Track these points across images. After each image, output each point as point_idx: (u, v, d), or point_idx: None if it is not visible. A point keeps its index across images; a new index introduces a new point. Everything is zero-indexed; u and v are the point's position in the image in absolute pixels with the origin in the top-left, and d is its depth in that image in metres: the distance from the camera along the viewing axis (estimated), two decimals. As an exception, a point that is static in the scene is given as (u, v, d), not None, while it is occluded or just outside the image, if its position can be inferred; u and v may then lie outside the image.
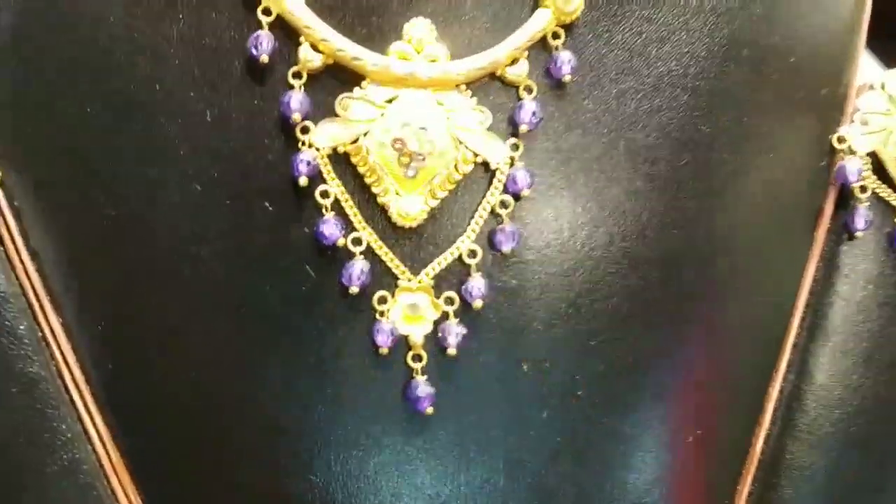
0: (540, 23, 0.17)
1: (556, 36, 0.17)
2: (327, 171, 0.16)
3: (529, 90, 0.17)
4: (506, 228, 0.17)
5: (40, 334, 0.17)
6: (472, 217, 0.17)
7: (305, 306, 0.16)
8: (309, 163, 0.16)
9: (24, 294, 0.17)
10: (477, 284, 0.17)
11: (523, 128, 0.17)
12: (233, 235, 0.16)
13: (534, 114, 0.17)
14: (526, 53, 0.17)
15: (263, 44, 0.16)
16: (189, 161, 0.16)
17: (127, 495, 0.18)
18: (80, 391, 0.18)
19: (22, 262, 0.17)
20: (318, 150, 0.16)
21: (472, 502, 0.18)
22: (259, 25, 0.16)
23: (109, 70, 0.16)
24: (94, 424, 0.18)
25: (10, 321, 0.17)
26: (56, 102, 0.17)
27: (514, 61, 0.17)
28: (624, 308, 0.18)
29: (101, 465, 0.17)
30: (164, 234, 0.16)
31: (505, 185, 0.17)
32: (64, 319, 0.18)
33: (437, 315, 0.17)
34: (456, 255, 0.17)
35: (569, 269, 0.17)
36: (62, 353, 0.17)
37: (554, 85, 0.17)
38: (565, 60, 0.17)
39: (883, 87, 0.20)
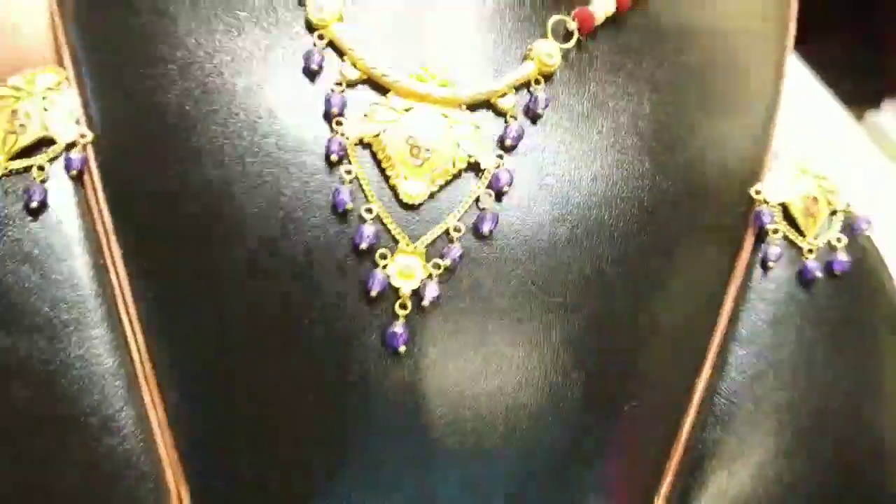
0: (526, 70, 0.23)
1: (537, 81, 0.23)
2: (353, 154, 0.21)
3: (514, 117, 0.23)
4: (486, 214, 0.22)
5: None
6: (461, 202, 0.22)
7: (327, 263, 0.21)
8: (340, 144, 0.21)
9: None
10: (455, 251, 0.21)
11: (508, 142, 0.22)
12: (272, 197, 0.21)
13: (516, 134, 0.22)
14: (514, 90, 0.23)
15: (315, 58, 0.22)
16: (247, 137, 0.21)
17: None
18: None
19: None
20: (347, 138, 0.21)
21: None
22: (314, 45, 0.22)
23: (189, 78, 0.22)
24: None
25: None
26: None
27: (504, 95, 0.23)
28: (581, 285, 0.22)
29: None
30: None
31: (490, 182, 0.22)
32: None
33: (424, 276, 0.21)
34: (444, 229, 0.22)
35: (534, 253, 0.22)
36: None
37: (532, 116, 0.23)
38: (541, 100, 0.23)
39: (791, 160, 0.26)
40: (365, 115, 0.22)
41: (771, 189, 0.25)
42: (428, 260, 0.21)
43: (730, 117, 0.25)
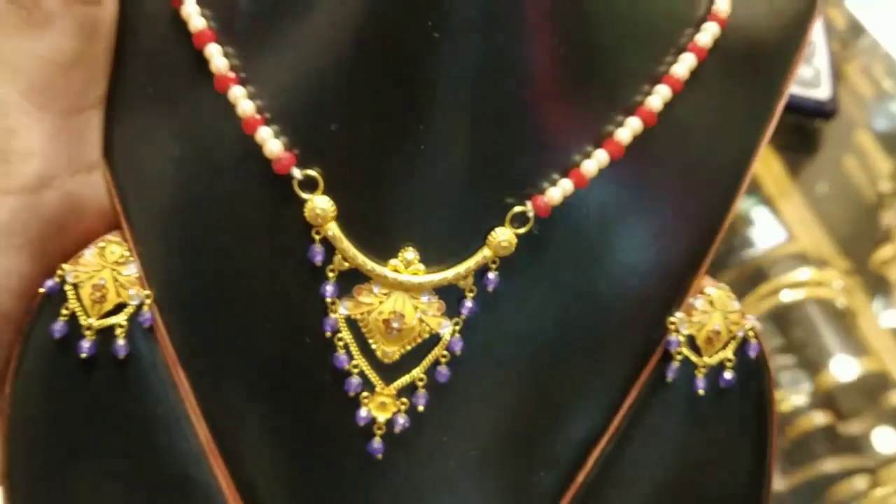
0: (483, 256, 0.28)
1: (494, 262, 0.29)
2: (343, 327, 0.29)
3: (472, 291, 0.29)
4: (441, 370, 0.29)
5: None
6: (425, 360, 0.29)
7: (327, 399, 0.30)
8: (334, 323, 0.28)
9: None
10: (420, 396, 0.30)
11: (463, 315, 0.29)
12: (282, 360, 0.29)
13: (471, 309, 0.29)
14: (472, 274, 0.29)
15: (316, 251, 0.28)
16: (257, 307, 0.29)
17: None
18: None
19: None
20: (339, 315, 0.28)
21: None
22: (314, 241, 0.28)
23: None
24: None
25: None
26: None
27: (466, 277, 0.29)
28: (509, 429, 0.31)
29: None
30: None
31: (447, 346, 0.29)
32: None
33: (395, 410, 0.30)
34: (411, 379, 0.29)
35: (477, 399, 0.30)
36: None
37: (488, 293, 0.29)
38: (493, 280, 0.29)
39: (709, 294, 0.32)
40: (352, 298, 0.28)
41: (683, 324, 0.31)
42: (398, 398, 0.30)
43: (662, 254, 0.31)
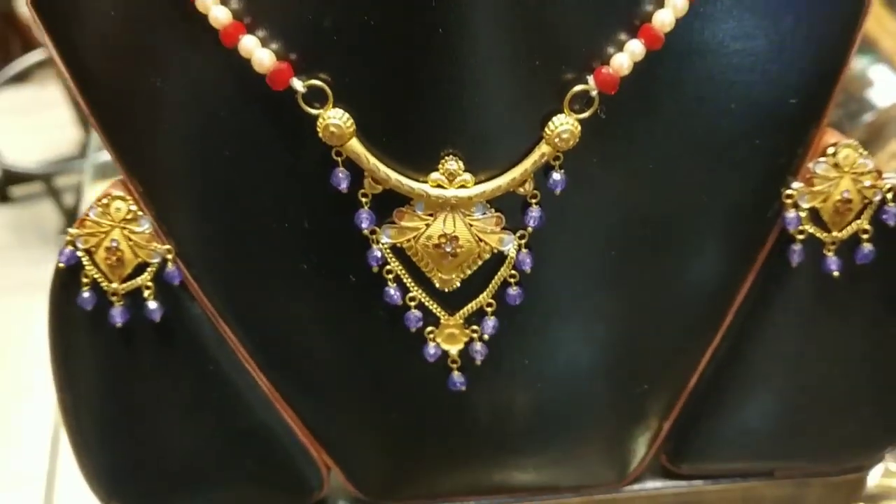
0: (542, 153, 0.23)
1: (556, 159, 0.23)
2: (390, 258, 0.24)
3: (534, 197, 0.24)
4: (511, 292, 0.25)
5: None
6: (492, 282, 0.25)
7: (390, 338, 0.26)
8: (377, 255, 0.24)
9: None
10: (491, 324, 0.26)
11: (529, 227, 0.24)
12: (329, 298, 0.25)
13: (538, 218, 0.24)
14: (531, 176, 0.23)
15: (340, 177, 0.23)
16: (292, 247, 0.25)
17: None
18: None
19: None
20: (383, 245, 0.24)
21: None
22: (336, 164, 0.23)
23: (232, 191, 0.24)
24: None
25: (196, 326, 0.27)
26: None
27: (524, 182, 0.23)
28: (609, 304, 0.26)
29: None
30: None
31: (514, 264, 0.24)
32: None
33: (466, 339, 0.26)
34: (478, 305, 0.25)
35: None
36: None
37: (552, 196, 0.24)
38: (560, 180, 0.23)
39: (833, 154, 0.25)
40: (393, 224, 0.24)
41: (803, 196, 0.25)
42: (466, 328, 0.26)
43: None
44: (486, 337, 0.26)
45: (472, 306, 0.25)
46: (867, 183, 0.25)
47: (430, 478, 0.31)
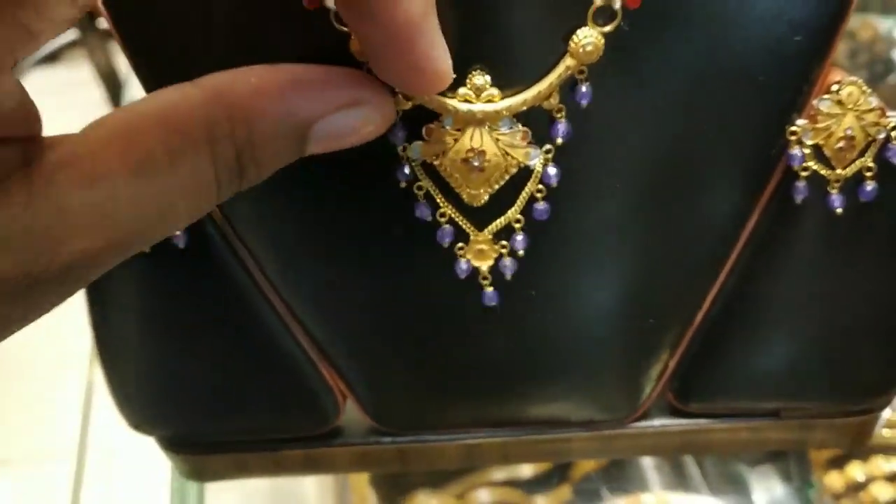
0: (567, 66, 0.24)
1: (581, 72, 0.24)
2: (420, 174, 0.25)
3: (560, 111, 0.24)
4: (538, 207, 0.26)
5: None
6: (519, 198, 0.26)
7: (420, 256, 0.27)
8: (406, 171, 0.25)
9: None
10: (520, 238, 0.26)
11: (557, 140, 0.25)
12: (355, 219, 0.27)
13: (564, 132, 0.25)
14: (557, 89, 0.24)
15: None
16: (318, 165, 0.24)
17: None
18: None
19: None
20: (413, 161, 0.25)
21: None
22: None
23: None
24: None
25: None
26: None
27: (549, 95, 0.24)
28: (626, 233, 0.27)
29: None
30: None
31: (540, 178, 0.25)
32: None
33: (496, 255, 0.27)
34: (507, 221, 0.26)
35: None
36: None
37: (578, 110, 0.24)
38: (585, 93, 0.24)
39: (837, 91, 0.26)
40: (424, 140, 0.25)
41: (807, 133, 0.26)
42: (496, 243, 0.27)
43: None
44: (518, 252, 0.27)
45: (500, 222, 0.26)
46: (870, 120, 0.26)
47: (446, 408, 0.32)
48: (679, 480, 0.58)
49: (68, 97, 1.42)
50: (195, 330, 0.30)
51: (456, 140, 0.25)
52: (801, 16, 0.25)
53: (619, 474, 0.58)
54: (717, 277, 0.29)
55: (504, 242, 0.27)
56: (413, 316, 0.29)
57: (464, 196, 0.26)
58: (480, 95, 0.24)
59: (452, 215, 0.26)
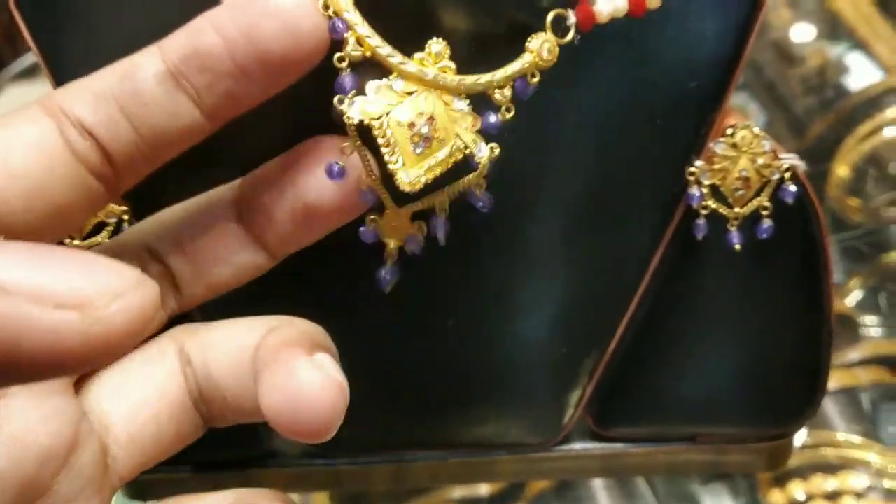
0: (525, 64, 0.23)
1: (533, 75, 0.24)
2: (353, 136, 0.23)
3: (509, 110, 0.24)
4: (475, 192, 0.24)
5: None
6: (454, 185, 0.24)
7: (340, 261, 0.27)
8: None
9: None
10: (441, 221, 0.24)
11: (501, 133, 0.23)
12: None
13: (508, 126, 0.23)
14: (511, 83, 0.23)
15: (338, 27, 0.21)
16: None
17: None
18: None
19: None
20: (348, 118, 0.22)
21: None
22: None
23: None
24: None
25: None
26: None
27: (501, 86, 0.23)
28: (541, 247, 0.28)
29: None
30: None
31: (482, 172, 0.23)
32: None
33: (408, 233, 0.25)
34: (432, 202, 0.24)
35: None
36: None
37: (523, 107, 0.24)
38: (530, 91, 0.23)
39: (732, 135, 0.28)
40: (366, 97, 0.22)
41: (704, 173, 0.28)
42: (412, 222, 0.25)
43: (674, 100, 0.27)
44: (437, 235, 0.25)
45: (425, 201, 0.24)
46: (764, 162, 0.28)
47: (378, 431, 0.33)
48: (630, 500, 0.59)
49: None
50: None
51: (402, 102, 0.22)
52: (698, 62, 0.26)
53: (572, 494, 0.59)
54: (629, 307, 0.30)
55: (421, 223, 0.25)
56: (339, 335, 0.29)
57: (397, 176, 0.22)
58: (437, 64, 0.23)
59: (374, 186, 0.23)
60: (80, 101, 0.20)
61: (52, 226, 0.20)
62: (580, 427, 0.34)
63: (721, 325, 0.31)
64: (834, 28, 0.68)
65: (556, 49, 0.23)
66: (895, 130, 0.58)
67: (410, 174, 0.22)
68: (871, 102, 0.59)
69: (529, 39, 0.23)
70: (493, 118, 0.23)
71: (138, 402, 0.24)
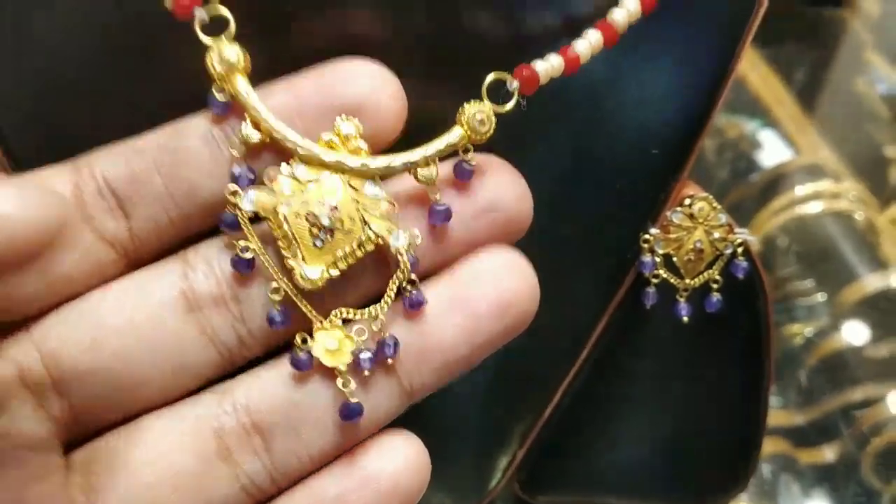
0: (454, 138, 0.21)
1: (465, 150, 0.21)
2: (247, 229, 0.20)
3: (437, 193, 0.21)
4: (413, 295, 0.20)
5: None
6: (388, 286, 0.20)
7: None
8: (233, 219, 0.20)
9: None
10: (390, 342, 0.20)
11: (430, 220, 0.21)
12: None
13: (442, 215, 0.21)
14: (437, 161, 0.21)
15: (218, 101, 0.19)
16: None
17: None
18: None
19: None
20: (240, 210, 0.20)
21: None
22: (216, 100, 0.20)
23: None
24: None
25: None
26: None
27: (427, 165, 0.21)
28: None
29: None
30: None
31: (409, 267, 0.20)
32: None
33: (353, 347, 0.20)
34: (366, 315, 0.21)
35: None
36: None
37: (458, 187, 0.21)
38: (468, 173, 0.21)
39: (689, 205, 0.27)
40: (262, 187, 0.20)
41: (658, 242, 0.27)
42: (350, 331, 0.21)
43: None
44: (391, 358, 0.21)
45: (355, 312, 0.21)
46: (719, 235, 0.27)
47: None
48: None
49: None
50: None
51: (303, 191, 0.20)
52: (659, 130, 0.26)
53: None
54: (569, 372, 0.29)
55: (361, 327, 0.21)
56: None
57: (296, 272, 0.20)
58: (346, 144, 0.20)
59: (287, 290, 0.20)
60: None
61: None
62: (505, 493, 0.32)
63: (659, 397, 0.30)
64: (750, 105, 0.71)
65: (493, 119, 0.21)
66: (806, 208, 0.60)
67: (312, 271, 0.20)
68: (786, 178, 0.62)
69: (460, 111, 0.21)
70: (435, 208, 0.21)
71: None
